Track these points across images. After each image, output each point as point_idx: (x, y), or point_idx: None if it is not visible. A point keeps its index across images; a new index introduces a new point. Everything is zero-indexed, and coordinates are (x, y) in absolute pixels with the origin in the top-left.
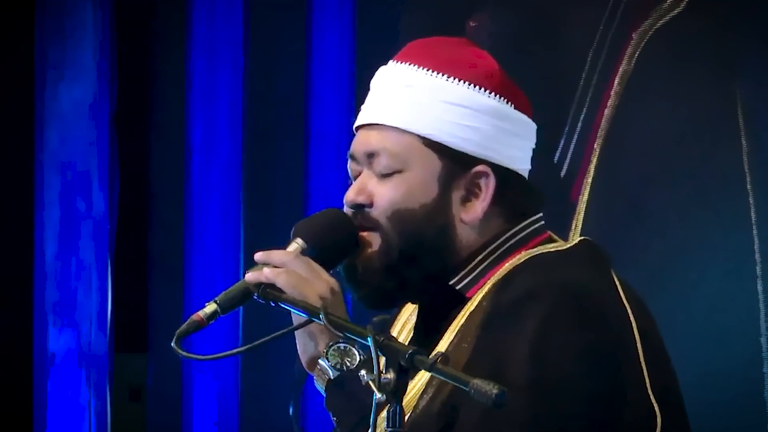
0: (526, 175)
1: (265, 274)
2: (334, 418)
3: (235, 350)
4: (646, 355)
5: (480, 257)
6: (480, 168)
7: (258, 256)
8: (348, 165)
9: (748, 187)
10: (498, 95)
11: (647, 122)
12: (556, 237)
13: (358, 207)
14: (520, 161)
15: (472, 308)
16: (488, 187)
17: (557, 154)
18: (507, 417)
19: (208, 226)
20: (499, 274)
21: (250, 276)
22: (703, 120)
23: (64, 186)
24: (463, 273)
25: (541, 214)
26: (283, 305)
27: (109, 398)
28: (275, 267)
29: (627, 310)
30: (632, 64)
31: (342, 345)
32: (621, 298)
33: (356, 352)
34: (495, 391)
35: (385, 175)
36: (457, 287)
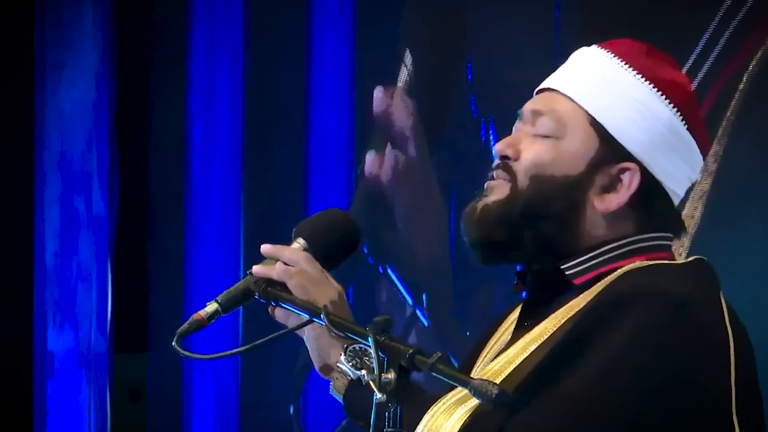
0: (675, 199)
1: (277, 270)
2: (357, 420)
3: (235, 350)
4: (737, 379)
5: (601, 250)
6: (629, 165)
7: (266, 249)
8: (514, 126)
9: None
10: (676, 109)
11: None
12: (677, 259)
13: (504, 158)
14: (673, 182)
15: (579, 304)
16: (630, 185)
17: None
18: (576, 414)
19: (208, 226)
20: (610, 278)
21: (259, 269)
22: None
23: (64, 186)
24: (578, 260)
25: (672, 236)
26: (284, 305)
27: (109, 398)
28: (287, 265)
29: (728, 331)
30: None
31: (357, 346)
32: (724, 319)
33: (373, 352)
34: (495, 391)
35: (541, 136)
36: (568, 272)
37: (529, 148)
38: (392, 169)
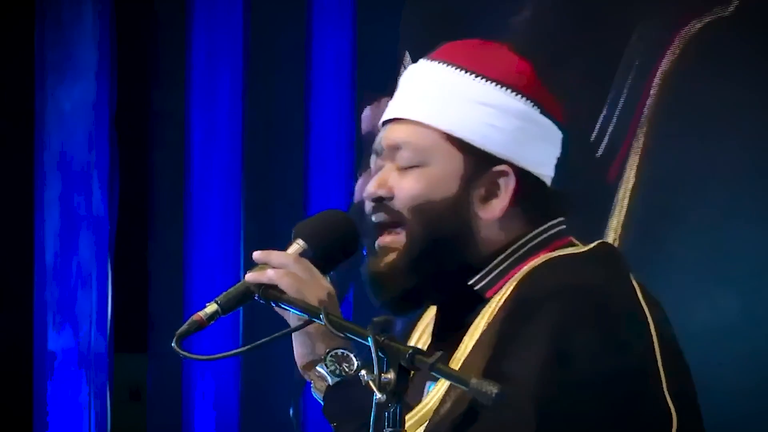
0: (548, 181)
1: (267, 275)
2: (333, 424)
3: (235, 350)
4: (663, 357)
5: (501, 257)
6: (501, 167)
7: (257, 255)
8: (371, 160)
9: None
10: (525, 98)
11: (689, 117)
12: (576, 242)
13: (379, 200)
14: (543, 166)
15: (493, 311)
16: (508, 187)
17: (594, 133)
18: (516, 422)
19: (208, 226)
20: (517, 277)
21: (251, 276)
22: (744, 117)
23: (64, 186)
24: (483, 273)
25: (563, 219)
26: (283, 305)
27: (109, 398)
28: (276, 268)
29: (645, 312)
30: (675, 56)
31: (340, 351)
32: (639, 300)
33: (354, 358)
34: (495, 390)
35: (406, 168)
36: (476, 287)
37: (400, 183)
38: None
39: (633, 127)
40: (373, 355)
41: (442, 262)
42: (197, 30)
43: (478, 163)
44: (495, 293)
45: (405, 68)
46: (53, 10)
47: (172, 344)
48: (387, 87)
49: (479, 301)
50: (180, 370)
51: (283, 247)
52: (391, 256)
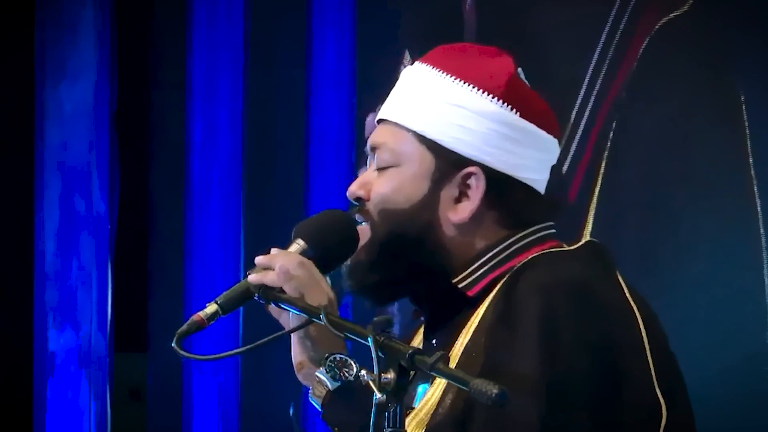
0: (536, 185)
1: (269, 277)
2: (335, 429)
3: (235, 350)
4: (652, 351)
5: (483, 259)
6: (470, 169)
7: (260, 260)
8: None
9: (754, 182)
10: (501, 101)
11: (651, 122)
12: (564, 245)
13: (358, 200)
14: (523, 169)
15: (482, 311)
16: (477, 189)
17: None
18: (518, 413)
19: (208, 227)
20: (505, 276)
21: (254, 278)
22: (706, 117)
23: (64, 186)
24: (465, 273)
25: (551, 224)
26: (283, 305)
27: (109, 398)
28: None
29: (632, 307)
30: (635, 63)
31: (339, 356)
32: (626, 296)
33: (353, 364)
34: (495, 390)
35: (382, 169)
36: (460, 286)
37: (374, 185)
38: None
39: (588, 150)
40: (373, 355)
41: (403, 262)
42: (197, 30)
43: (449, 164)
44: (477, 293)
45: (405, 68)
46: (53, 10)
47: (172, 344)
48: (387, 87)
49: (464, 301)
50: (180, 370)
51: (283, 247)
52: (360, 253)
